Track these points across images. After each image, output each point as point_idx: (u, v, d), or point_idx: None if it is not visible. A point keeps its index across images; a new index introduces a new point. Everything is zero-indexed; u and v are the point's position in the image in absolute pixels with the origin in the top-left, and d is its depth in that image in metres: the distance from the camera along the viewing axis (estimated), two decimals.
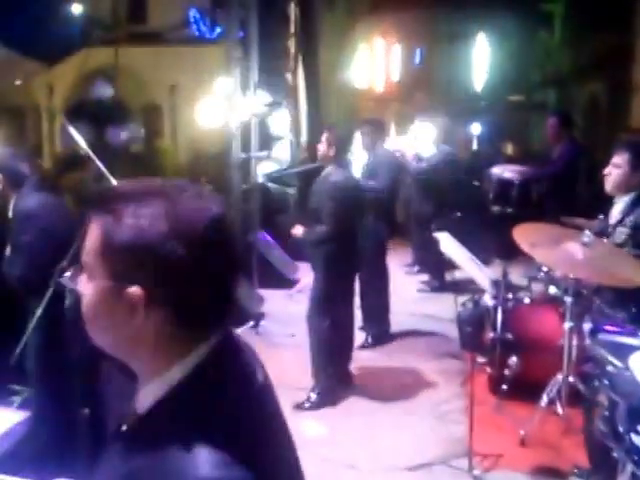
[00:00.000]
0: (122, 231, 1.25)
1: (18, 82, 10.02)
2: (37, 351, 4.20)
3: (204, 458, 1.19)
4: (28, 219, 4.18)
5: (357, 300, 7.20)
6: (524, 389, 5.43)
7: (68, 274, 1.42)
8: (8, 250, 4.31)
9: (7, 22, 7.21)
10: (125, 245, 1.25)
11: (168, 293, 1.26)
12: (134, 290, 1.25)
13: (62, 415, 4.05)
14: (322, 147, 6.01)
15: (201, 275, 1.28)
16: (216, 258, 1.31)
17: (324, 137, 6.03)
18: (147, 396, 1.33)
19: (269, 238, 9.55)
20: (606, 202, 5.17)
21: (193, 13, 16.32)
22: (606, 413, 3.46)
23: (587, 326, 4.51)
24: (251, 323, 7.73)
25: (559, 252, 4.61)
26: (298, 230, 6.11)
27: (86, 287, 1.32)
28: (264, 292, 8.56)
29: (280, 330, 7.61)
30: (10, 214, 4.35)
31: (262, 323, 7.83)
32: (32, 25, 7.54)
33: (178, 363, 1.30)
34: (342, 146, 6.06)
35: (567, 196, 7.74)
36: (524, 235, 4.77)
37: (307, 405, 5.92)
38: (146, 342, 1.30)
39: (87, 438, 3.67)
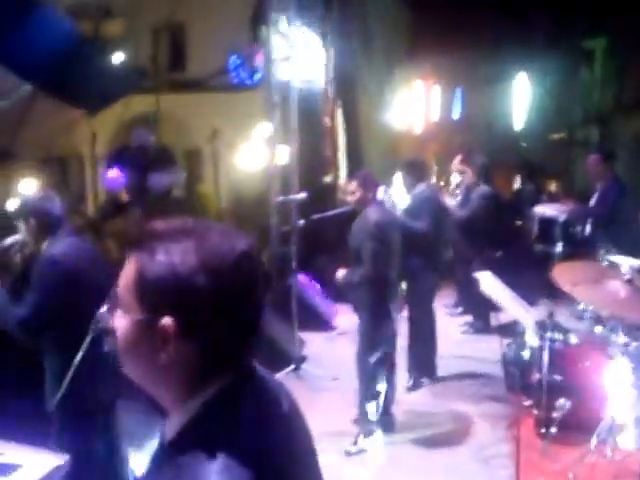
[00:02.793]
0: (155, 266, 1.35)
1: (62, 131, 10.21)
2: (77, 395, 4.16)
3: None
4: (51, 264, 4.14)
5: (405, 342, 7.14)
6: (572, 432, 5.30)
7: (104, 309, 1.55)
8: None
9: (51, 72, 7.34)
10: (158, 279, 1.34)
11: (197, 325, 1.34)
12: (166, 321, 1.33)
13: (102, 458, 4.03)
14: (357, 194, 5.97)
15: (228, 307, 1.36)
16: (243, 292, 1.39)
17: (355, 185, 6.00)
18: (173, 425, 1.41)
19: (308, 280, 9.51)
20: None
21: (233, 60, 16.51)
22: None
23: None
24: (292, 367, 7.66)
25: (601, 291, 4.51)
26: (340, 273, 6.07)
27: (121, 322, 1.40)
28: (305, 335, 8.49)
29: (322, 373, 7.53)
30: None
31: (303, 366, 7.76)
32: (75, 74, 7.67)
33: (202, 392, 1.38)
34: (372, 188, 6.03)
35: (611, 234, 7.60)
36: (565, 274, 4.69)
37: (353, 450, 5.82)
38: (175, 373, 1.37)
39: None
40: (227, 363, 1.41)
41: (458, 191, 9.30)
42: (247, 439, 1.33)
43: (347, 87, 14.36)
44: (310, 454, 1.55)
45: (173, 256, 1.34)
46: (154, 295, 1.35)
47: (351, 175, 6.12)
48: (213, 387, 1.38)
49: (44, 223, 4.25)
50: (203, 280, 1.32)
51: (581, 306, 5.90)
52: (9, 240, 4.48)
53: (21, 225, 4.32)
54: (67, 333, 4.01)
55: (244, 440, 1.33)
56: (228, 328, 1.37)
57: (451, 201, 8.87)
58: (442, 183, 10.28)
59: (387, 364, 6.06)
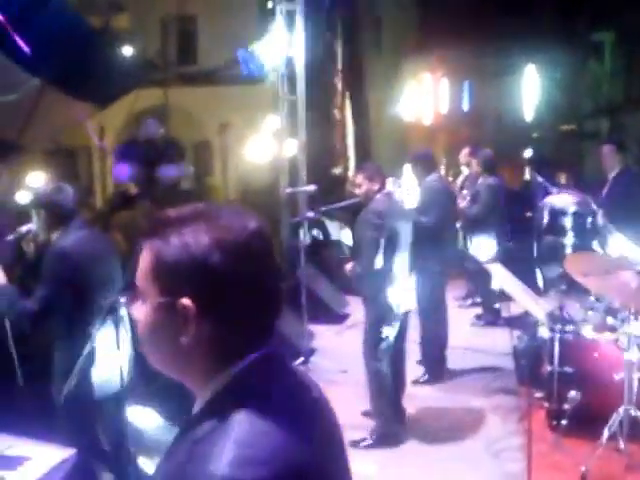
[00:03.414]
0: (170, 249, 1.37)
1: (70, 124, 10.21)
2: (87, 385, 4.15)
3: (227, 455, 1.25)
4: (61, 257, 4.13)
5: (416, 335, 7.13)
6: (584, 424, 5.27)
7: (123, 299, 1.55)
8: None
9: (59, 65, 7.33)
10: (173, 261, 1.36)
11: (216, 303, 1.36)
12: (185, 301, 1.35)
13: (108, 451, 4.02)
14: (363, 187, 5.93)
15: (245, 284, 1.38)
16: (258, 267, 1.40)
17: (361, 178, 5.97)
18: (198, 406, 1.43)
19: (318, 272, 9.50)
20: None
21: (242, 52, 16.49)
22: None
23: None
24: (301, 359, 7.64)
25: (612, 281, 4.49)
26: (348, 266, 6.04)
27: (140, 311, 1.42)
28: (314, 327, 8.47)
29: (331, 366, 7.51)
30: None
31: (312, 359, 7.74)
32: (84, 68, 7.65)
33: (223, 373, 1.39)
34: (380, 179, 5.97)
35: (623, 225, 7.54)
36: (576, 264, 4.67)
37: (364, 444, 5.80)
38: (198, 354, 1.39)
39: (133, 475, 3.64)
40: (252, 342, 1.42)
41: (465, 191, 9.31)
42: (265, 413, 1.33)
43: (356, 79, 14.34)
44: (338, 443, 1.55)
45: (186, 238, 1.36)
46: (171, 278, 1.37)
47: (359, 167, 6.07)
48: (237, 366, 1.39)
49: (55, 214, 4.26)
50: (218, 258, 1.34)
51: (592, 297, 5.86)
52: (24, 228, 4.49)
53: (34, 215, 4.32)
54: (76, 325, 4.01)
55: (262, 414, 1.32)
56: (248, 305, 1.39)
57: (462, 202, 8.87)
58: (450, 178, 10.28)
59: (395, 356, 6.03)
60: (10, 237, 4.59)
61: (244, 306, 1.38)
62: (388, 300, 5.75)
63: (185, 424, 1.43)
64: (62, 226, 4.24)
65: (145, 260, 1.41)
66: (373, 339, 5.82)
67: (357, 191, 6.04)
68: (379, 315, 5.79)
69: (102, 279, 4.18)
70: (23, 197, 4.54)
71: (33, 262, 4.63)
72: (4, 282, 4.19)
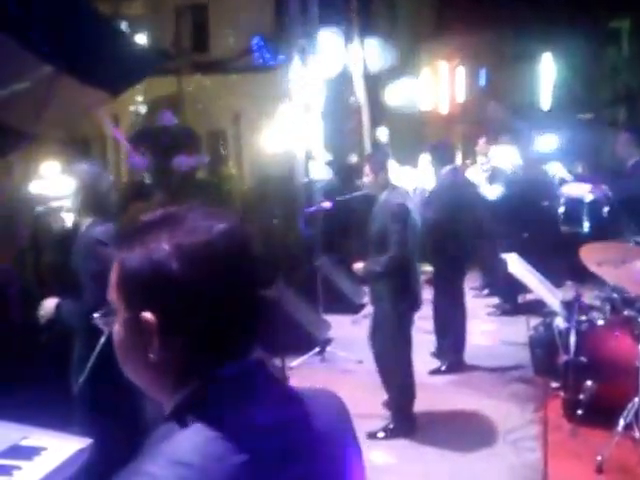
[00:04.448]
0: (132, 260, 1.29)
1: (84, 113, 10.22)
2: (101, 379, 4.15)
3: (163, 458, 1.18)
4: (98, 248, 4.10)
5: (432, 326, 7.13)
6: (600, 414, 5.25)
7: (98, 315, 1.42)
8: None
9: (72, 53, 7.32)
10: (135, 272, 1.28)
11: (178, 315, 1.26)
12: (146, 315, 1.26)
13: (126, 442, 4.01)
14: (370, 177, 5.89)
15: (209, 291, 1.26)
16: (225, 272, 1.28)
17: (366, 170, 5.93)
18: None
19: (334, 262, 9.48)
20: None
21: (256, 41, 16.47)
22: None
23: None
24: (317, 349, 7.64)
25: (628, 271, 4.46)
26: (358, 266, 5.90)
27: (114, 325, 1.35)
28: (330, 317, 8.46)
29: (347, 356, 7.51)
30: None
31: (328, 349, 7.74)
32: (97, 56, 7.64)
33: (188, 386, 1.30)
34: (387, 170, 5.92)
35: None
36: (592, 254, 4.65)
37: (381, 435, 5.79)
38: (165, 369, 1.30)
39: None
40: (220, 356, 1.30)
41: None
42: (227, 421, 1.24)
43: (372, 68, 14.28)
44: (337, 458, 1.39)
45: (148, 246, 1.27)
46: (134, 290, 1.29)
47: (367, 156, 6.02)
48: (200, 381, 1.29)
49: (93, 199, 4.23)
50: (176, 265, 1.24)
51: (608, 287, 5.83)
52: (55, 204, 4.47)
53: (71, 195, 4.29)
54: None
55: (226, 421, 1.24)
56: (216, 314, 1.28)
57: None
58: (468, 162, 10.23)
59: (409, 348, 6.01)
60: (40, 209, 4.56)
61: (210, 316, 1.27)
62: (407, 293, 5.73)
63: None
64: (96, 212, 4.23)
65: (113, 273, 1.34)
66: (390, 333, 5.80)
67: (364, 180, 6.01)
68: (398, 309, 5.76)
69: None
70: (71, 172, 4.44)
71: (58, 240, 4.61)
72: (53, 305, 4.20)
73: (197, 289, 1.25)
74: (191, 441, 1.20)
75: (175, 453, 1.19)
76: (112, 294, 1.34)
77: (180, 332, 1.27)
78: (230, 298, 1.29)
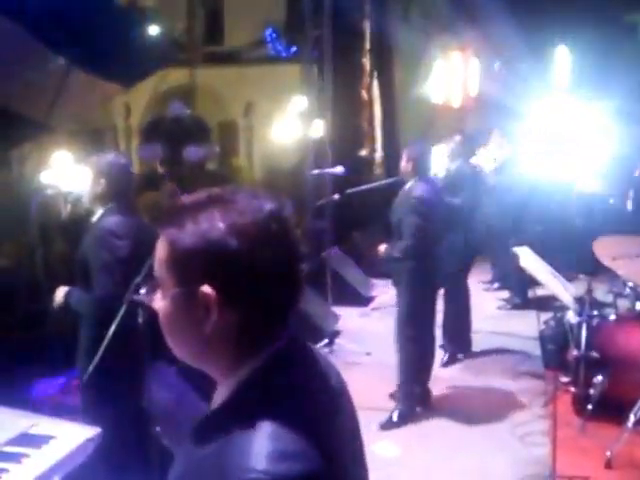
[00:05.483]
0: (185, 237, 1.34)
1: (97, 104, 10.25)
2: (108, 368, 4.14)
3: (263, 450, 1.23)
4: (114, 239, 4.09)
5: (439, 318, 7.10)
6: (610, 409, 5.25)
7: (143, 291, 1.50)
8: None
9: (86, 45, 7.33)
10: (190, 249, 1.34)
11: (237, 288, 1.33)
12: (205, 289, 1.32)
13: (132, 431, 4.02)
14: (403, 163, 5.95)
15: (264, 268, 1.34)
16: (277, 250, 1.36)
17: (404, 153, 5.96)
18: (221, 395, 1.41)
19: (343, 254, 9.47)
20: None
21: (269, 32, 16.43)
22: None
23: None
24: (325, 341, 7.63)
25: None
26: (382, 247, 6.00)
27: (159, 301, 1.41)
28: (338, 309, 8.45)
29: (355, 348, 7.50)
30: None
31: (337, 341, 7.72)
32: (110, 48, 7.65)
33: (248, 362, 1.37)
34: (422, 161, 5.94)
35: None
36: (605, 249, 4.63)
37: (387, 425, 5.80)
38: (222, 342, 1.36)
39: (157, 455, 3.63)
40: (275, 328, 1.40)
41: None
42: (294, 407, 1.32)
43: (384, 59, 14.21)
44: (354, 433, 1.52)
45: (201, 224, 1.34)
46: (189, 266, 1.35)
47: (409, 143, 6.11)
48: (263, 354, 1.37)
49: (112, 188, 4.18)
50: (234, 242, 1.31)
51: (621, 282, 5.80)
52: (66, 189, 4.44)
53: (90, 180, 4.23)
54: (104, 304, 3.99)
55: (291, 408, 1.32)
56: (270, 288, 1.36)
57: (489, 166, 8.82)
58: (482, 151, 10.17)
59: (427, 339, 6.01)
60: (49, 191, 4.55)
61: (265, 290, 1.35)
62: (423, 283, 5.75)
63: (208, 415, 1.41)
64: (112, 202, 4.19)
65: (161, 249, 1.39)
66: (405, 317, 5.81)
67: (401, 166, 6.04)
68: (413, 298, 5.78)
69: (139, 262, 4.14)
70: (93, 158, 4.39)
71: (65, 224, 4.59)
72: (63, 293, 4.20)
73: (254, 264, 1.32)
74: (284, 430, 1.26)
75: (276, 445, 1.24)
76: (159, 270, 1.40)
77: (238, 305, 1.34)
78: (281, 273, 1.38)
